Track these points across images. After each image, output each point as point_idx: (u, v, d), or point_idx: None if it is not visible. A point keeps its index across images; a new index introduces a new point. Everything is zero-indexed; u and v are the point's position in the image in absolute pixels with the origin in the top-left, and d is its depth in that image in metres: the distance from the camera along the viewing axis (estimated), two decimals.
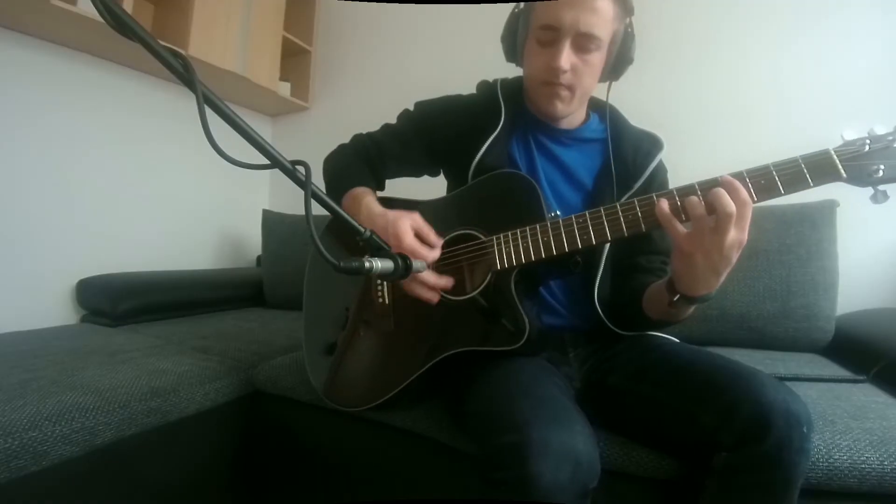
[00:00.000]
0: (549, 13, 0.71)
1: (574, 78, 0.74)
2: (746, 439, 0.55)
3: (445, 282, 0.71)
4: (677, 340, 0.80)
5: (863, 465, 0.62)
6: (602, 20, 0.71)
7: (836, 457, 0.63)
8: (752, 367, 0.64)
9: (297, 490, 1.04)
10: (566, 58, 0.71)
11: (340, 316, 0.86)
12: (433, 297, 0.70)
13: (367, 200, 0.79)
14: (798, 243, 1.12)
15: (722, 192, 0.55)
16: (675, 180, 0.62)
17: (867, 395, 0.80)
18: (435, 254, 0.69)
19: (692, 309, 0.68)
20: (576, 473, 0.53)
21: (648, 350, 0.74)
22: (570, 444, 0.54)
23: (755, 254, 1.14)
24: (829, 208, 1.12)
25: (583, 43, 0.71)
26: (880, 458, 0.62)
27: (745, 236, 0.56)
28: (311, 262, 0.96)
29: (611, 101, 0.86)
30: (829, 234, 1.12)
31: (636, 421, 0.70)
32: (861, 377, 0.88)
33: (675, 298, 0.65)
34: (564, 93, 0.75)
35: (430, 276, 0.69)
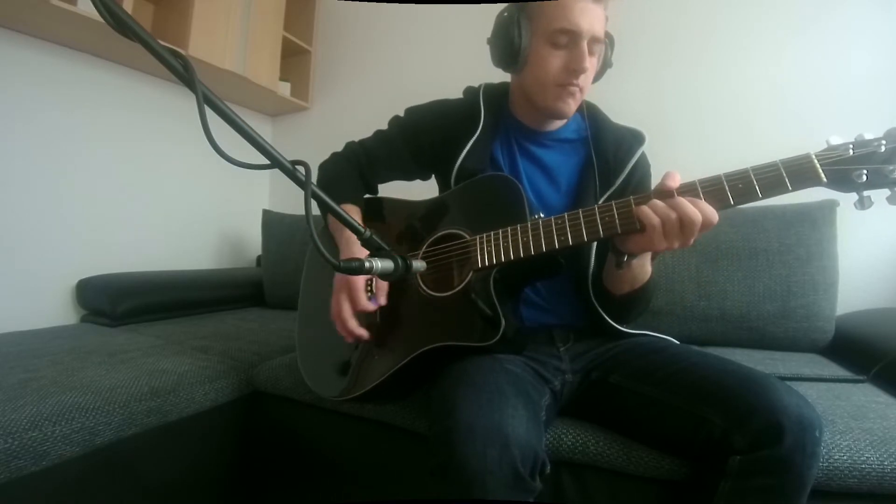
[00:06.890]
0: (565, 17, 0.72)
1: (586, 79, 0.77)
2: (760, 443, 0.55)
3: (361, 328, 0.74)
4: (678, 342, 0.80)
5: (863, 465, 0.62)
6: (602, 25, 0.75)
7: (836, 457, 0.63)
8: (762, 371, 0.64)
9: (297, 490, 1.04)
10: (588, 59, 0.74)
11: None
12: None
13: (346, 233, 0.80)
14: (798, 243, 1.12)
15: (682, 202, 0.57)
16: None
17: (867, 395, 0.80)
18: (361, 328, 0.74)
19: (640, 267, 0.71)
20: (504, 456, 0.52)
21: (653, 351, 0.74)
22: (497, 425, 0.54)
23: (755, 254, 1.14)
24: (829, 208, 1.12)
25: (593, 46, 0.75)
26: (880, 458, 0.62)
27: (716, 218, 0.57)
28: (309, 261, 0.96)
29: (611, 100, 0.88)
30: (829, 234, 1.12)
31: (638, 420, 0.70)
32: (861, 377, 0.88)
33: (624, 259, 0.66)
34: (578, 93, 0.77)
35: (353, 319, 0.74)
